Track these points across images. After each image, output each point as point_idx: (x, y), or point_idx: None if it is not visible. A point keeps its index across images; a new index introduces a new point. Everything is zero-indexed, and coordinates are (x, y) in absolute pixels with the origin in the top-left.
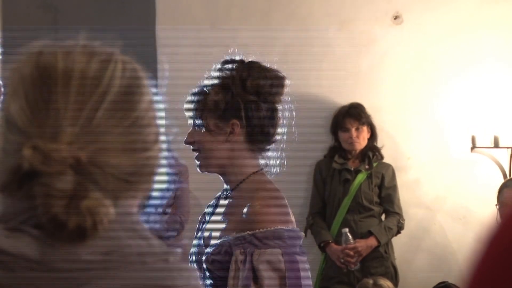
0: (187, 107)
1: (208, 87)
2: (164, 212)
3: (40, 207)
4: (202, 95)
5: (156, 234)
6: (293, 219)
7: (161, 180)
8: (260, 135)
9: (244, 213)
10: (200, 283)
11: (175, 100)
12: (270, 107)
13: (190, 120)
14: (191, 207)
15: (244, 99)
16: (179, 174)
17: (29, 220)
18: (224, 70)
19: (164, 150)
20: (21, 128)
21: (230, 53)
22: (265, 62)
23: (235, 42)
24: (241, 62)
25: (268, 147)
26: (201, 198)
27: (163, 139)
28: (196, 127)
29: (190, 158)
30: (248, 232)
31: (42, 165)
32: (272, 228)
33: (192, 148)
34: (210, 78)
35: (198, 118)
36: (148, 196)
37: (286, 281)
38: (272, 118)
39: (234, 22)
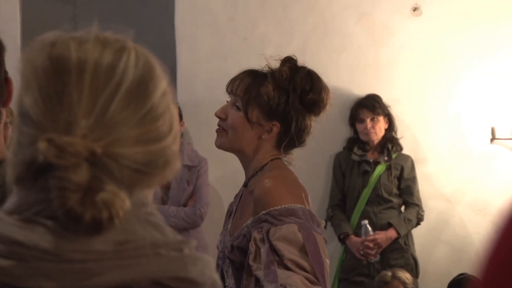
0: (235, 85)
1: (266, 78)
2: (183, 204)
3: (55, 201)
4: (257, 83)
5: (175, 227)
6: (308, 202)
7: (175, 170)
8: (293, 142)
9: (255, 196)
10: (216, 274)
11: (194, 92)
12: (311, 119)
13: (230, 97)
14: (210, 199)
15: (297, 110)
16: (198, 166)
17: (44, 211)
18: (286, 70)
19: (179, 139)
20: (35, 121)
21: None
22: (283, 54)
23: (254, 34)
24: (305, 70)
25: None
26: (220, 191)
27: (177, 129)
28: (235, 108)
29: (209, 151)
30: (262, 212)
31: (56, 158)
32: (286, 205)
33: (219, 122)
34: (268, 68)
35: (244, 103)
36: (168, 187)
37: (306, 251)
38: (309, 128)
39: (253, 14)
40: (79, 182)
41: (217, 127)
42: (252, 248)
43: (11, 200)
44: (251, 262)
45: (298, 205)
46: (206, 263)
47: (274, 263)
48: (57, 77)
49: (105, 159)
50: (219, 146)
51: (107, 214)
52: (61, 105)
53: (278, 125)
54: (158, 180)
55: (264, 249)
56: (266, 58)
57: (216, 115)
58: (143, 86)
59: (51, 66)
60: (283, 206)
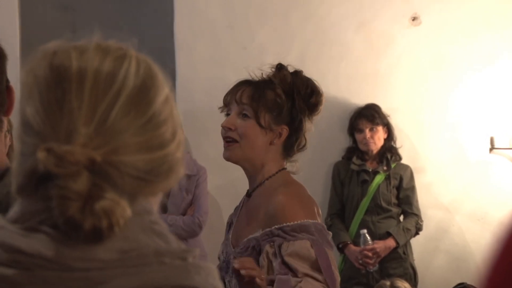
0: (238, 95)
1: (267, 85)
2: (182, 213)
3: (56, 209)
4: (261, 89)
5: (174, 235)
6: (319, 215)
7: (179, 177)
8: (297, 145)
9: (268, 208)
10: (219, 282)
11: (192, 100)
12: (311, 122)
13: (228, 100)
14: (209, 208)
15: (303, 112)
16: (197, 175)
17: (47, 220)
18: (287, 74)
19: (182, 146)
20: (36, 130)
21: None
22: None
23: (253, 43)
24: (302, 74)
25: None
26: (219, 199)
27: (181, 135)
28: (243, 117)
29: (208, 160)
30: (275, 226)
31: (56, 167)
32: (299, 221)
33: (227, 133)
34: (265, 77)
35: (254, 109)
36: (167, 195)
37: (319, 267)
38: (306, 131)
39: (252, 22)
40: (79, 190)
41: (219, 136)
42: (264, 262)
43: (14, 209)
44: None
45: (311, 220)
46: (209, 272)
47: (288, 275)
48: (57, 86)
49: (106, 167)
50: (229, 157)
51: (107, 223)
52: (62, 114)
53: (287, 128)
54: (161, 188)
55: (276, 263)
56: (248, 71)
57: (224, 126)
58: (144, 93)
59: (51, 75)
60: (296, 222)
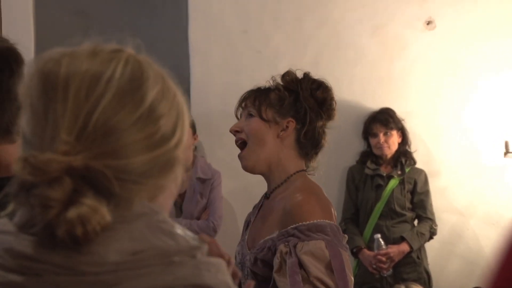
0: (243, 103)
1: (272, 87)
2: (197, 217)
3: (37, 216)
4: (264, 91)
5: None
6: (335, 217)
7: (178, 178)
8: (311, 142)
9: (286, 206)
10: (229, 277)
11: (207, 105)
12: (325, 121)
13: (240, 113)
14: (223, 212)
15: (309, 104)
16: (211, 179)
17: None
18: (289, 75)
19: (183, 144)
20: (27, 140)
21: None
22: (297, 67)
23: (267, 47)
24: (309, 75)
25: (315, 155)
26: (233, 203)
27: (182, 133)
28: (248, 117)
29: (222, 164)
30: (291, 226)
31: (31, 176)
32: (315, 221)
33: (236, 137)
34: (272, 83)
35: (257, 106)
36: (182, 199)
37: (332, 268)
38: (324, 131)
39: (266, 27)
40: (56, 197)
41: (234, 141)
42: (277, 260)
43: (19, 215)
44: (274, 274)
45: (327, 221)
46: (219, 267)
47: (298, 274)
48: (45, 94)
49: (90, 172)
50: (246, 166)
51: (82, 230)
52: (47, 123)
53: (294, 121)
54: (158, 189)
55: (289, 262)
56: (262, 78)
57: (231, 130)
58: (131, 93)
59: (40, 84)
60: (312, 221)
